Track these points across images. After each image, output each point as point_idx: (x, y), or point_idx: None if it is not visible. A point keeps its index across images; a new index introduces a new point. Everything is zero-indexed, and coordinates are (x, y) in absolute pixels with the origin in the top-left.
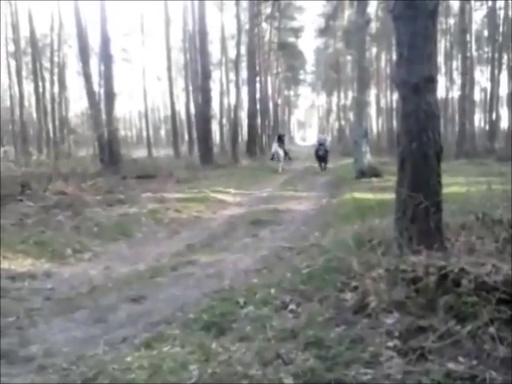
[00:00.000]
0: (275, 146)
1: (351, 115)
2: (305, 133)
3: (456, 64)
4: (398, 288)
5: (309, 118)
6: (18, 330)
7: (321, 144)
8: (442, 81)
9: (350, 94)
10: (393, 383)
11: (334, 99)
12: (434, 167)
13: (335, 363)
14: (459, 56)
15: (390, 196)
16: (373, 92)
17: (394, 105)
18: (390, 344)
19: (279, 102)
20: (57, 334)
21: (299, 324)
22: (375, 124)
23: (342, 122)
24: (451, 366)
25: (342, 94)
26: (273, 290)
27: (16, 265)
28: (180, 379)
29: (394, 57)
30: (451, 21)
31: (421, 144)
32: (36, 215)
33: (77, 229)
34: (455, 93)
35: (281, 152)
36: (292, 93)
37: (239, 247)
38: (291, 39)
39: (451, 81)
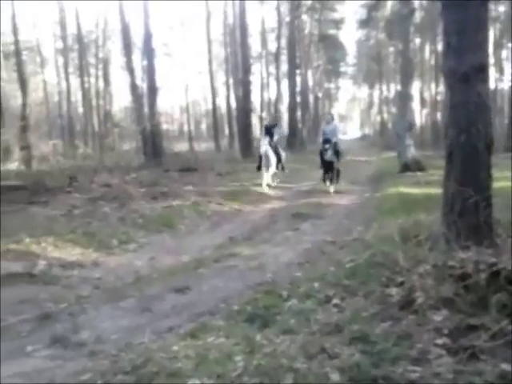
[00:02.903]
0: (264, 146)
1: (393, 108)
2: (346, 126)
3: (506, 53)
4: (445, 284)
5: (350, 111)
6: (69, 316)
7: (327, 141)
8: (490, 71)
9: (393, 87)
10: (443, 382)
11: (376, 92)
12: (484, 161)
13: (382, 359)
14: (509, 45)
15: (436, 190)
16: (416, 84)
17: (439, 97)
18: (439, 342)
19: (320, 94)
20: (105, 321)
21: (344, 318)
22: (418, 117)
23: (384, 115)
24: (505, 366)
25: (384, 87)
26: (316, 284)
27: (66, 254)
28: (226, 370)
29: (439, 47)
30: (501, 8)
31: (470, 136)
32: (83, 206)
33: (122, 220)
34: (505, 84)
35: (271, 155)
36: (333, 85)
37: (281, 240)
38: (332, 31)
39: (501, 71)
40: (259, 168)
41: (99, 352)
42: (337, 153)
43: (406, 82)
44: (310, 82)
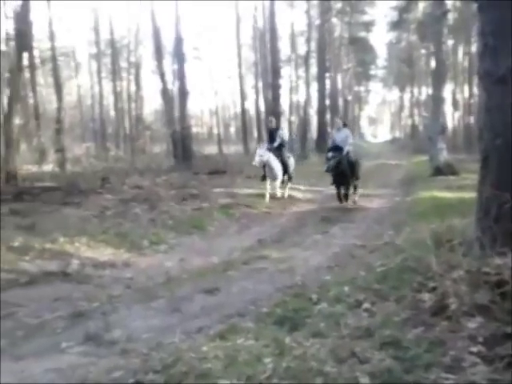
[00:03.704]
0: (262, 152)
1: (425, 111)
2: (376, 129)
3: None
4: (480, 291)
5: (380, 114)
6: (101, 314)
7: (336, 148)
8: None
9: (424, 89)
10: None
11: (407, 94)
12: None
13: (414, 365)
14: None
15: (469, 194)
16: (448, 86)
17: (472, 100)
18: (474, 349)
19: (349, 98)
20: (136, 320)
21: (374, 323)
22: (451, 120)
23: (415, 118)
24: None
25: (416, 89)
26: (346, 288)
27: (98, 254)
28: (255, 372)
29: (473, 49)
30: None
31: (506, 140)
32: (115, 207)
33: (153, 221)
34: None
35: (274, 163)
36: (362, 88)
37: (310, 244)
38: (362, 34)
39: None
40: (264, 178)
41: (130, 350)
42: (351, 165)
43: (438, 84)
44: (340, 85)
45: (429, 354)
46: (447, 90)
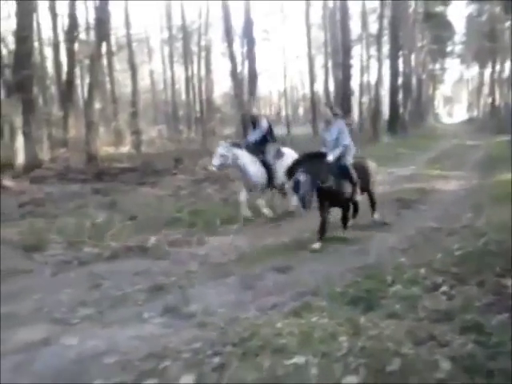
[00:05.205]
0: (225, 151)
1: (508, 88)
2: (452, 109)
3: None
4: None
5: (457, 92)
6: (179, 289)
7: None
8: None
9: (508, 65)
10: None
11: (488, 71)
12: None
13: (498, 352)
14: None
15: None
16: None
17: None
18: None
19: (423, 76)
20: (212, 295)
21: (454, 307)
22: None
23: (497, 97)
24: None
25: (498, 66)
26: (422, 270)
27: (173, 231)
28: (330, 349)
29: None
30: None
31: None
32: (188, 187)
33: (224, 201)
34: None
35: (249, 165)
36: (438, 66)
37: (383, 225)
38: (439, 8)
39: None
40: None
41: (208, 323)
42: (349, 177)
43: None
44: (413, 63)
45: None
46: None
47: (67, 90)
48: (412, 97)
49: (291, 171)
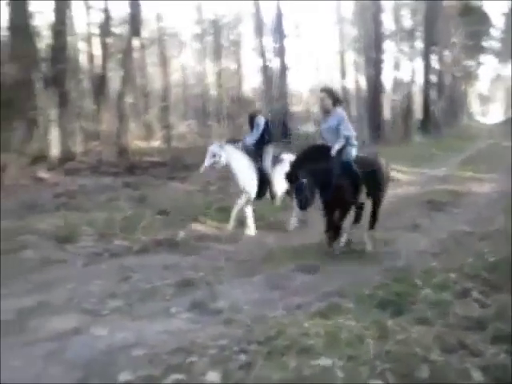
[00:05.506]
0: (216, 150)
1: None
2: (487, 108)
3: None
4: None
5: (493, 91)
6: (206, 285)
7: (324, 152)
8: None
9: None
10: None
11: None
12: None
13: None
14: None
15: None
16: None
17: None
18: None
19: (457, 73)
20: (239, 292)
21: (486, 314)
22: None
23: None
24: None
25: None
26: (453, 275)
27: (202, 226)
28: (357, 352)
29: None
30: None
31: None
32: (217, 183)
33: None
34: None
35: (241, 170)
36: (473, 63)
37: (413, 228)
38: (476, 3)
39: None
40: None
41: (234, 321)
42: (355, 179)
43: None
44: (447, 60)
45: None
46: None
47: (100, 83)
48: (445, 95)
49: (292, 175)
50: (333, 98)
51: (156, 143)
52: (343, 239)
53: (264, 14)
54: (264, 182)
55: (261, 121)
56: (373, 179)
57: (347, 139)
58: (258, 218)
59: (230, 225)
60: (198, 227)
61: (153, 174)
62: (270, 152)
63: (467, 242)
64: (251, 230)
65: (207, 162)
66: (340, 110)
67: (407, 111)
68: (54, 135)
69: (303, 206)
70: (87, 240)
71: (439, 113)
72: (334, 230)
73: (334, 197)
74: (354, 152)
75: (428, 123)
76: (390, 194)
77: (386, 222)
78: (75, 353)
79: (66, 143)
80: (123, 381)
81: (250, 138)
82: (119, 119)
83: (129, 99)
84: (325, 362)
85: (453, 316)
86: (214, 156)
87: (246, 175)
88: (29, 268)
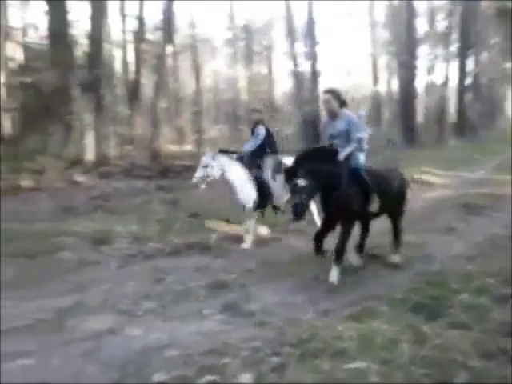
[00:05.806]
0: (208, 161)
1: None
2: None
3: None
4: None
5: None
6: (238, 287)
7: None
8: None
9: None
10: None
11: None
12: None
13: None
14: None
15: None
16: None
17: None
18: None
19: (495, 76)
20: (270, 295)
21: None
22: None
23: None
24: None
25: None
26: (491, 280)
27: (234, 229)
28: (391, 356)
29: None
30: None
31: None
32: None
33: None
34: None
35: (238, 181)
36: (511, 65)
37: (448, 231)
38: None
39: None
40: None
41: (266, 323)
42: (365, 187)
43: None
44: (484, 63)
45: None
46: None
47: (134, 88)
48: (482, 97)
49: (291, 171)
50: (339, 99)
51: (188, 147)
52: (356, 262)
53: (295, 19)
54: (264, 193)
55: (261, 131)
56: (390, 196)
57: (359, 142)
58: (287, 222)
59: (248, 241)
60: (230, 230)
61: (185, 177)
62: (270, 162)
63: (505, 246)
64: (248, 243)
65: (199, 173)
66: (348, 112)
67: (441, 114)
68: (90, 139)
69: (298, 212)
70: (122, 242)
71: (475, 116)
72: (317, 241)
73: (338, 205)
74: (362, 157)
75: (463, 126)
76: (424, 197)
77: (422, 225)
78: (110, 352)
79: (101, 147)
80: (158, 381)
81: (247, 146)
82: (152, 124)
83: (162, 104)
84: (359, 365)
85: (491, 321)
86: (206, 167)
87: (243, 186)
88: (66, 269)
